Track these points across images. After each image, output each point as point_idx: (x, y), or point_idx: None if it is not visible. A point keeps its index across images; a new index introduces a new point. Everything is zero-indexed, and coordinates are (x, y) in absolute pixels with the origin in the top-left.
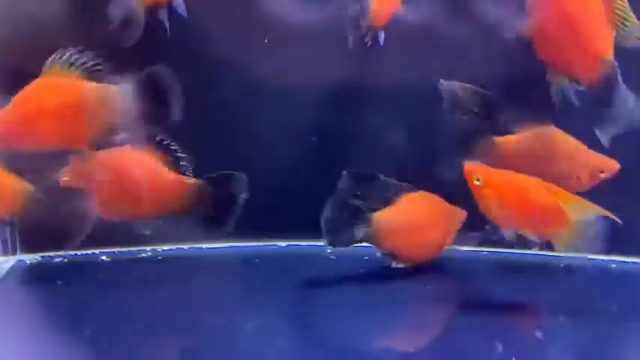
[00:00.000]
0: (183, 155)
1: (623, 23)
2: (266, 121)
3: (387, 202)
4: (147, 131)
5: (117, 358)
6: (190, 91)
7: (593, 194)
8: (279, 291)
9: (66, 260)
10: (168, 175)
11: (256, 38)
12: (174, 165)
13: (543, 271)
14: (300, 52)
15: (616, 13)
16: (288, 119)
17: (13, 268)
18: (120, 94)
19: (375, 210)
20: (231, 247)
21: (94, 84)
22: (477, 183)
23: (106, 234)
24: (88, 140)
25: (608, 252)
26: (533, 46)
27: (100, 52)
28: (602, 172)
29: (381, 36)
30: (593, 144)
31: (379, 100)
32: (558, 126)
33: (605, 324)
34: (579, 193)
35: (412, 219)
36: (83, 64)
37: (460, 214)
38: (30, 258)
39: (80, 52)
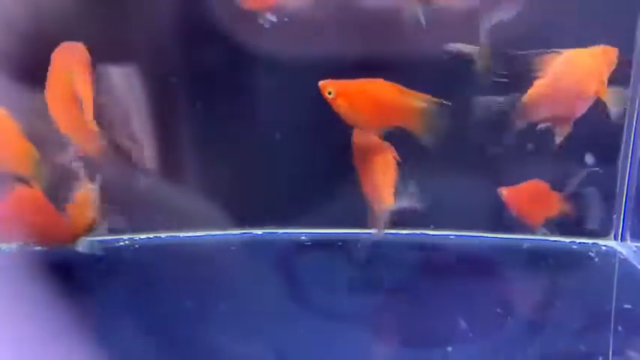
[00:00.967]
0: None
1: None
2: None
3: None
4: None
5: (99, 345)
6: None
7: None
8: (258, 277)
9: (45, 249)
10: None
11: None
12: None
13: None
14: None
15: None
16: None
17: None
18: None
19: None
20: (207, 235)
21: None
22: (329, 96)
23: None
24: None
25: None
26: None
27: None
28: None
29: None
30: None
31: None
32: None
33: None
34: None
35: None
36: None
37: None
38: (7, 247)
39: None
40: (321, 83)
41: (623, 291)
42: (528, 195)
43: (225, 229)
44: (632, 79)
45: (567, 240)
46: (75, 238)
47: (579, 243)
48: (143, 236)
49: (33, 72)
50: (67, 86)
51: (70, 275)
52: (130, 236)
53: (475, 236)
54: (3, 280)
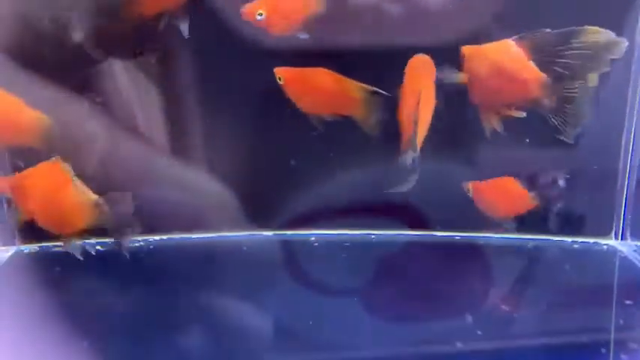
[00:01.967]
0: None
1: None
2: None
3: None
4: None
5: (116, 344)
6: None
7: None
8: (269, 278)
9: (63, 250)
10: None
11: None
12: None
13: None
14: None
15: None
16: None
17: (12, 257)
18: None
19: None
20: (219, 236)
21: None
22: (280, 82)
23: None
24: None
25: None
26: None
27: None
28: None
29: None
30: None
31: None
32: None
33: None
34: None
35: None
36: None
37: None
38: (29, 248)
39: None
40: (275, 69)
41: (623, 289)
42: (496, 191)
43: (237, 230)
44: (631, 76)
45: (569, 239)
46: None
47: (581, 242)
48: (157, 237)
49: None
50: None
51: (85, 276)
52: (145, 237)
53: (480, 236)
54: (18, 280)
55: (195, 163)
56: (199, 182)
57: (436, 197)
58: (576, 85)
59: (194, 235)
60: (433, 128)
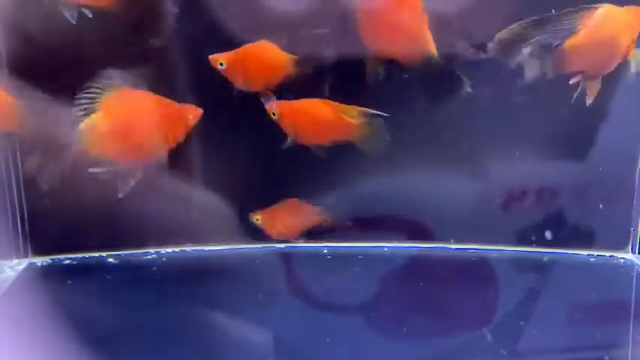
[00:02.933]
0: None
1: None
2: None
3: None
4: None
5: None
6: None
7: None
8: (283, 292)
9: (75, 263)
10: None
11: None
12: None
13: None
14: None
15: None
16: None
17: (25, 270)
18: None
19: None
20: (231, 249)
21: None
22: (274, 117)
23: (111, 238)
24: None
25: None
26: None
27: None
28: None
29: None
30: None
31: None
32: None
33: None
34: None
35: None
36: None
37: None
38: (41, 260)
39: None
40: (266, 106)
41: None
42: (282, 214)
43: (247, 242)
44: None
45: (584, 253)
46: None
47: (597, 256)
48: (169, 250)
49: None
50: None
51: (97, 289)
52: (157, 249)
53: (494, 249)
54: (32, 293)
55: (191, 177)
56: (196, 196)
57: (448, 210)
58: None
59: (206, 247)
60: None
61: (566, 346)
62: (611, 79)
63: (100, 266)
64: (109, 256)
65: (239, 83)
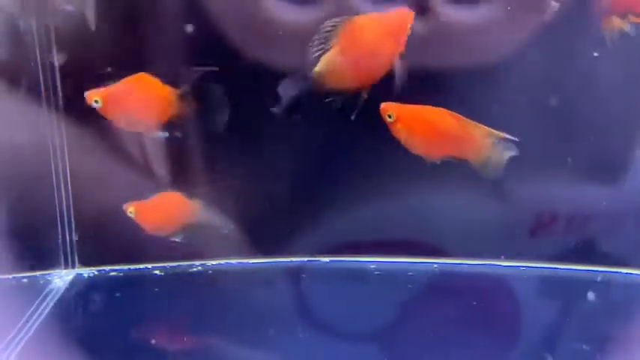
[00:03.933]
0: None
1: None
2: None
3: None
4: None
5: None
6: None
7: None
8: (331, 306)
9: (121, 274)
10: None
11: None
12: None
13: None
14: None
15: None
16: None
17: (72, 281)
18: None
19: None
20: (275, 262)
21: None
22: (389, 120)
23: (157, 250)
24: None
25: None
26: None
27: None
28: None
29: None
30: None
31: None
32: None
33: None
34: None
35: None
36: None
37: None
38: (87, 271)
39: None
40: (382, 105)
41: None
42: (158, 207)
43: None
44: None
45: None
46: None
47: (625, 274)
48: (215, 262)
49: None
50: None
51: (144, 301)
52: (202, 262)
53: (512, 266)
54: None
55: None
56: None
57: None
58: None
59: (251, 261)
60: None
61: None
62: None
63: (146, 278)
64: (155, 268)
65: (120, 123)
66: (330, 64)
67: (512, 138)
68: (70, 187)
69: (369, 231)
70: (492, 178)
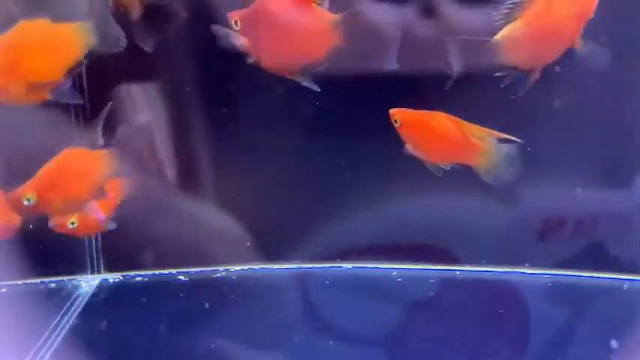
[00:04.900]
0: None
1: None
2: None
3: None
4: None
5: None
6: None
7: None
8: (354, 312)
9: (146, 280)
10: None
11: None
12: None
13: None
14: None
15: None
16: None
17: (98, 286)
18: None
19: None
20: (299, 268)
21: None
22: (396, 124)
23: (181, 255)
24: None
25: None
26: None
27: None
28: None
29: None
30: None
31: None
32: None
33: None
34: None
35: None
36: None
37: None
38: (113, 276)
39: None
40: (391, 111)
41: None
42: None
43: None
44: None
45: None
46: None
47: None
48: (239, 268)
49: None
50: None
51: (170, 306)
52: (226, 267)
53: (537, 274)
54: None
55: (206, 197)
56: (209, 216)
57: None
58: None
59: (275, 266)
60: None
61: None
62: None
63: (170, 283)
64: (179, 274)
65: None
66: (513, 35)
67: (515, 139)
68: None
69: (386, 234)
70: (501, 185)
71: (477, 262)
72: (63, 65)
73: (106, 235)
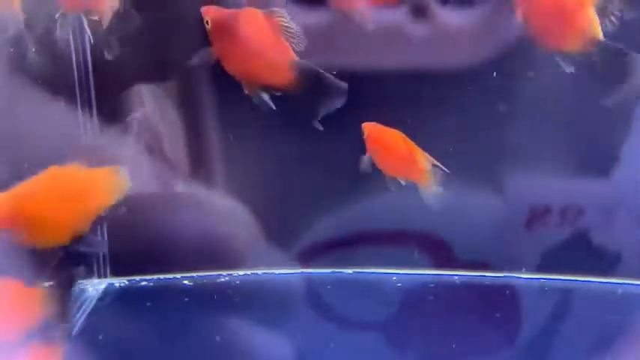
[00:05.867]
0: None
1: None
2: None
3: None
4: None
5: None
6: None
7: None
8: (354, 316)
9: (152, 284)
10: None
11: None
12: None
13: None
14: None
15: None
16: None
17: (105, 290)
18: None
19: None
20: (302, 273)
21: None
22: (364, 136)
23: (186, 260)
24: None
25: None
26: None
27: None
28: None
29: None
30: None
31: None
32: None
33: None
34: None
35: None
36: None
37: None
38: (118, 281)
39: None
40: (364, 125)
41: None
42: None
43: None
44: None
45: None
46: None
47: None
48: (242, 272)
49: None
50: None
51: (175, 311)
52: (229, 272)
53: (533, 278)
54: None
55: (221, 190)
56: (226, 210)
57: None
58: None
59: (279, 271)
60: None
61: None
62: None
63: (175, 288)
64: (184, 278)
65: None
66: None
67: (442, 167)
68: None
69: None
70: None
71: (487, 268)
72: (88, 215)
73: (113, 240)
